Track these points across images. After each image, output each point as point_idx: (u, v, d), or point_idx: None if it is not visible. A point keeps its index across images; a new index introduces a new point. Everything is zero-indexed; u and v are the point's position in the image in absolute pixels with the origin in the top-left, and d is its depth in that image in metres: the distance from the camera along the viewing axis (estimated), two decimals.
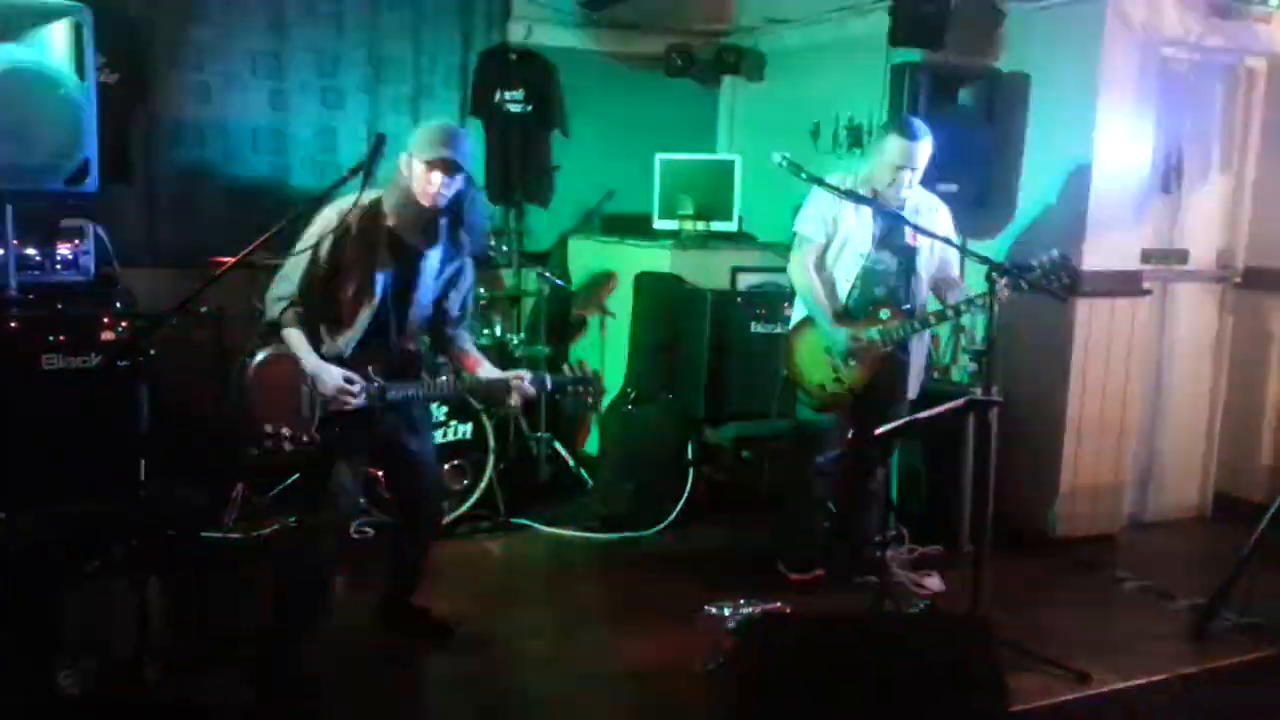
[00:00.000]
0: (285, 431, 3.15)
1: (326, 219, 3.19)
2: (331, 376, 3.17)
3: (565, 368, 3.50)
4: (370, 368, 3.23)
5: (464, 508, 4.71)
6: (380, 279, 3.20)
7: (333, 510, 3.25)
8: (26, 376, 3.80)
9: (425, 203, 3.18)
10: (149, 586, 3.19)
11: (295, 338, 3.18)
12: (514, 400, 3.32)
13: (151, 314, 4.09)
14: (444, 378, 3.41)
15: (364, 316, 3.21)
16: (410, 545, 3.59)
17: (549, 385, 3.38)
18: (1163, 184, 5.02)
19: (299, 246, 3.18)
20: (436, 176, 3.14)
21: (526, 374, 3.34)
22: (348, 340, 3.22)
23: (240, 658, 3.28)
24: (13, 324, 3.87)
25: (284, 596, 3.28)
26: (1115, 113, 4.67)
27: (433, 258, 3.29)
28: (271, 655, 3.24)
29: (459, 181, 3.19)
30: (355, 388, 3.18)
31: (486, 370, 3.39)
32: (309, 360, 3.17)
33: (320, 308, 3.21)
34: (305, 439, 3.17)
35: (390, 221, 3.21)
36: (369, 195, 3.17)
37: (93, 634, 3.29)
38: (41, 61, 3.93)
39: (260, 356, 3.21)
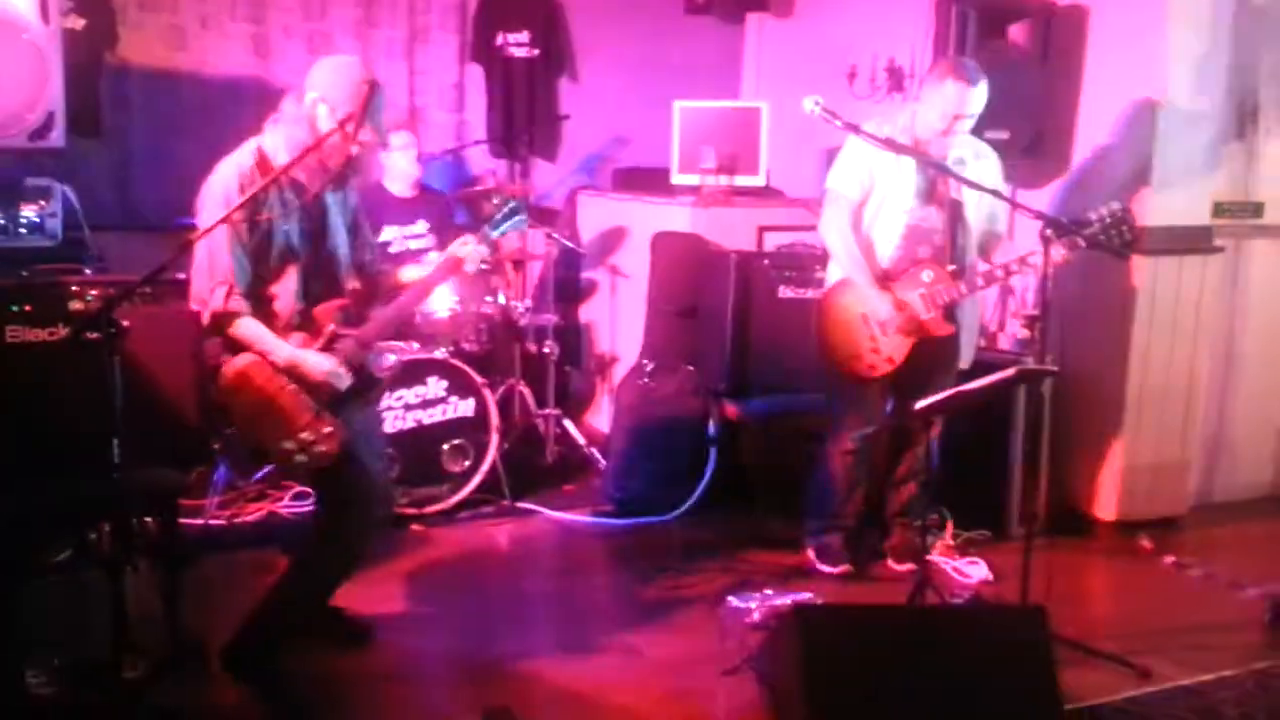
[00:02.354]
0: (306, 436, 3.06)
1: (227, 180, 3.08)
2: (316, 359, 3.12)
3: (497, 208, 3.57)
4: (332, 325, 3.20)
5: (465, 491, 4.72)
6: (295, 230, 3.16)
7: (367, 509, 3.29)
8: None
9: (334, 159, 3.13)
10: (125, 576, 3.20)
11: (254, 329, 3.08)
12: (470, 267, 3.37)
13: (124, 281, 4.09)
14: (411, 289, 3.40)
15: (296, 277, 3.16)
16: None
17: (490, 233, 3.40)
18: (1237, 129, 4.94)
19: (211, 221, 3.00)
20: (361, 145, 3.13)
21: (469, 239, 3.36)
22: (285, 306, 3.16)
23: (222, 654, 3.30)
24: None
25: (291, 595, 3.33)
26: (1184, 51, 4.59)
27: (329, 197, 3.26)
28: (257, 648, 3.29)
29: None
30: (344, 372, 3.15)
31: (422, 267, 3.50)
32: (281, 352, 3.08)
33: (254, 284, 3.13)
34: (329, 430, 3.09)
35: (282, 160, 3.12)
36: (250, 144, 3.15)
37: (65, 629, 3.32)
38: (0, 4, 3.91)
39: (235, 366, 3.09)
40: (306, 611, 3.39)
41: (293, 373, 3.09)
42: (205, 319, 3.07)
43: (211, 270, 3.04)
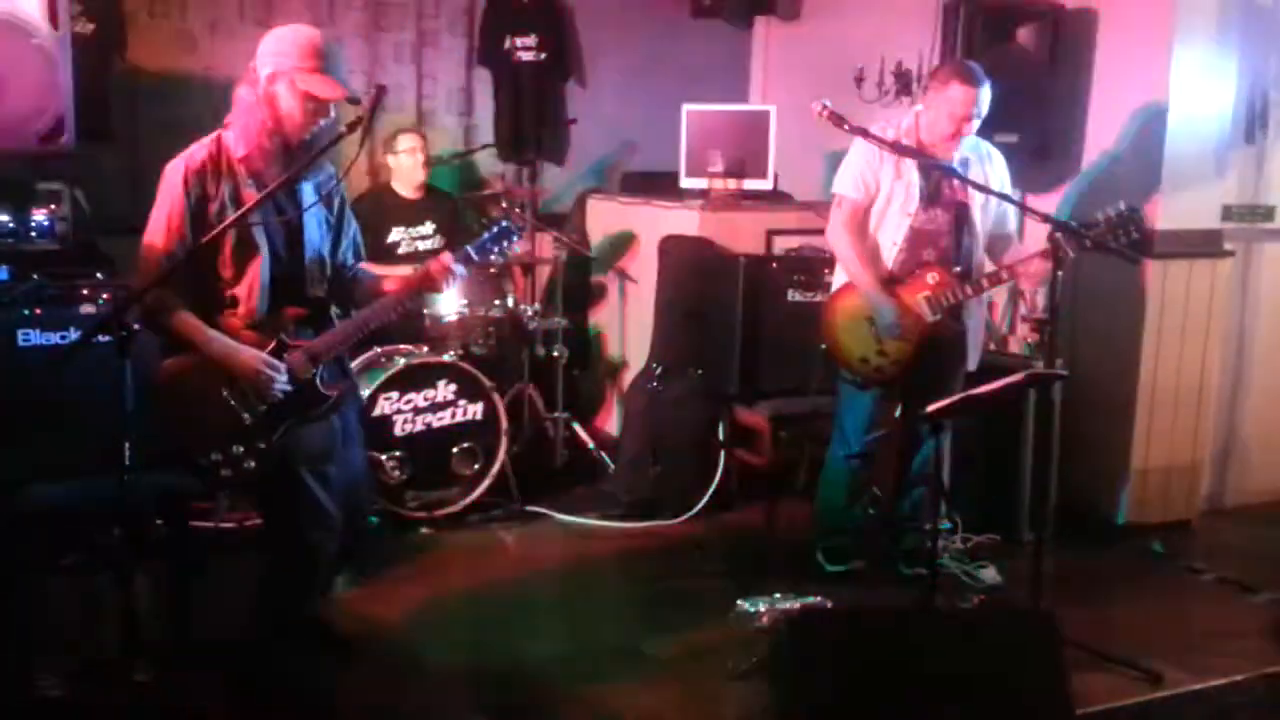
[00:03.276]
0: (237, 449, 2.98)
1: (174, 170, 3.03)
2: (248, 357, 2.98)
3: (482, 224, 3.37)
4: (281, 334, 3.07)
5: (475, 494, 4.73)
6: (260, 227, 3.04)
7: (304, 531, 3.14)
8: (1, 353, 3.83)
9: (298, 134, 3.01)
10: (135, 580, 3.21)
11: (188, 321, 2.97)
12: (445, 287, 3.25)
13: (135, 285, 4.11)
14: (377, 304, 3.21)
15: (263, 276, 3.04)
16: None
17: (473, 254, 3.26)
18: (1246, 133, 4.94)
19: (162, 212, 3.02)
20: (323, 109, 2.98)
21: (446, 255, 3.26)
22: (248, 310, 3.05)
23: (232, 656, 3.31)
24: None
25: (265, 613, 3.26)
26: (1193, 53, 4.59)
27: (306, 189, 3.15)
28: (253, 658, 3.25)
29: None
30: (280, 368, 3.02)
31: (401, 277, 3.33)
32: (214, 344, 2.97)
33: (203, 286, 3.03)
34: (263, 446, 3.00)
35: (240, 152, 3.05)
36: (212, 135, 3.07)
37: (76, 631, 3.33)
38: (10, 8, 3.93)
39: (171, 366, 3.01)
40: (278, 621, 3.29)
41: (226, 372, 2.98)
42: (139, 312, 2.94)
43: (148, 262, 2.99)
